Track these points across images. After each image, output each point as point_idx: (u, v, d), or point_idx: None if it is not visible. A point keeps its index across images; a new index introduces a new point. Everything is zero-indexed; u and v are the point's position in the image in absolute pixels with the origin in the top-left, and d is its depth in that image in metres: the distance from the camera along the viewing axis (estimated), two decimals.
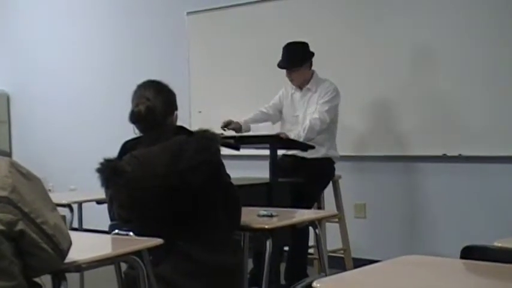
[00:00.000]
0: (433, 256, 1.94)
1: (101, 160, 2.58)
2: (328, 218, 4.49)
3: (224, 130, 4.35)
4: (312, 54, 4.42)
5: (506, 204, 4.46)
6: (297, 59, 4.37)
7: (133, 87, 2.74)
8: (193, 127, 2.79)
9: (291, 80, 4.45)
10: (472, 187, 4.61)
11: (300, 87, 4.47)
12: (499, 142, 4.44)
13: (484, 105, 4.49)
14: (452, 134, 4.63)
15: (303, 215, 3.33)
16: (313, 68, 4.46)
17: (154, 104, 2.63)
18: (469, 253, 1.94)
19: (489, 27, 4.46)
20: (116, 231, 2.58)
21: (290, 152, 4.45)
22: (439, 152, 4.68)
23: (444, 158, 4.67)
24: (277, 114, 4.59)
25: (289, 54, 4.39)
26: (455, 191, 4.68)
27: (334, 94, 4.36)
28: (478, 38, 4.50)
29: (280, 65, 4.41)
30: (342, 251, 4.75)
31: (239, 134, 4.36)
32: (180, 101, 2.78)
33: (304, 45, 4.42)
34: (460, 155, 4.59)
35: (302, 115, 4.41)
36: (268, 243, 2.80)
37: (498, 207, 4.50)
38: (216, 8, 5.81)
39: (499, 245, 1.97)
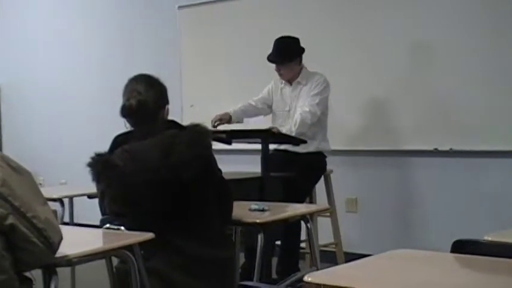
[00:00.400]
0: (424, 250, 1.94)
1: (92, 154, 2.57)
2: (320, 212, 4.49)
3: (215, 127, 4.33)
4: (303, 50, 4.41)
5: (497, 198, 4.48)
6: (286, 53, 4.37)
7: (125, 81, 2.73)
8: (185, 121, 2.78)
9: (280, 75, 4.45)
10: (463, 181, 4.62)
11: (290, 81, 4.47)
12: (489, 137, 4.46)
13: (475, 100, 4.50)
14: (444, 129, 4.64)
15: (294, 209, 3.33)
16: (306, 62, 4.46)
17: (145, 98, 2.63)
18: (460, 247, 1.94)
19: (481, 23, 4.46)
20: (107, 225, 2.58)
21: (282, 147, 4.45)
22: (430, 147, 4.69)
23: (435, 153, 4.68)
24: (266, 108, 4.59)
25: (279, 48, 4.38)
26: (446, 185, 4.70)
27: (324, 86, 4.36)
28: (470, 34, 4.50)
29: (270, 59, 4.41)
30: (334, 245, 4.75)
31: (231, 129, 4.35)
32: (171, 95, 2.77)
33: (295, 41, 4.42)
34: (451, 149, 4.61)
35: (293, 109, 4.41)
36: (260, 238, 2.80)
37: (489, 201, 4.51)
38: (208, 2, 5.79)
39: (489, 239, 1.98)
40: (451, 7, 4.57)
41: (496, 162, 4.49)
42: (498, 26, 4.40)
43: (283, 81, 4.50)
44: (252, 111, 4.61)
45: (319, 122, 4.36)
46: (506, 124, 4.40)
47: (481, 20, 4.46)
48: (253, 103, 4.59)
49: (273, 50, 4.40)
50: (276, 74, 4.46)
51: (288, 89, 4.49)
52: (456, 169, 4.65)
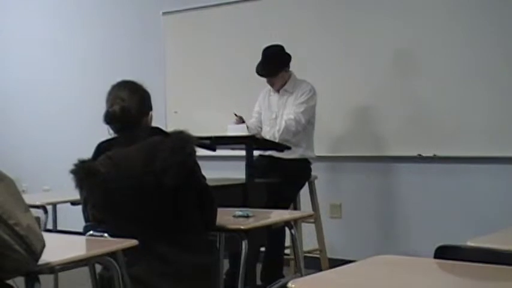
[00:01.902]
0: (407, 256, 1.95)
1: (76, 161, 2.56)
2: (304, 219, 4.49)
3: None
4: (289, 57, 4.41)
5: (480, 204, 4.51)
6: (274, 65, 4.37)
7: (108, 87, 2.72)
8: (169, 128, 2.78)
9: (272, 85, 4.46)
10: (446, 187, 4.65)
11: (278, 89, 4.47)
12: (472, 143, 4.49)
13: (458, 107, 4.53)
14: (427, 135, 4.67)
15: (278, 215, 3.33)
16: (293, 70, 4.46)
17: (129, 105, 2.62)
18: (443, 253, 1.95)
19: (463, 31, 4.50)
20: (91, 232, 2.56)
21: (266, 153, 4.45)
22: (414, 153, 4.71)
23: (419, 159, 4.71)
24: None
25: (267, 61, 4.38)
26: (429, 191, 4.72)
27: (311, 95, 4.37)
28: (452, 42, 4.54)
29: (259, 73, 4.40)
30: (318, 251, 4.76)
31: (215, 135, 4.33)
32: (155, 101, 2.77)
33: (281, 50, 4.41)
34: (434, 155, 4.63)
35: (280, 117, 4.42)
36: (244, 244, 2.80)
37: (472, 207, 4.54)
38: (192, 8, 5.79)
39: (472, 244, 1.99)
40: (434, 16, 4.60)
41: (478, 168, 4.52)
42: (480, 33, 4.43)
43: (271, 89, 4.50)
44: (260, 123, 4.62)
45: (304, 130, 4.37)
46: (488, 130, 4.43)
47: (463, 28, 4.50)
48: (259, 117, 4.59)
49: (261, 63, 4.39)
50: (261, 81, 4.46)
51: (275, 96, 4.49)
52: (439, 175, 4.67)
